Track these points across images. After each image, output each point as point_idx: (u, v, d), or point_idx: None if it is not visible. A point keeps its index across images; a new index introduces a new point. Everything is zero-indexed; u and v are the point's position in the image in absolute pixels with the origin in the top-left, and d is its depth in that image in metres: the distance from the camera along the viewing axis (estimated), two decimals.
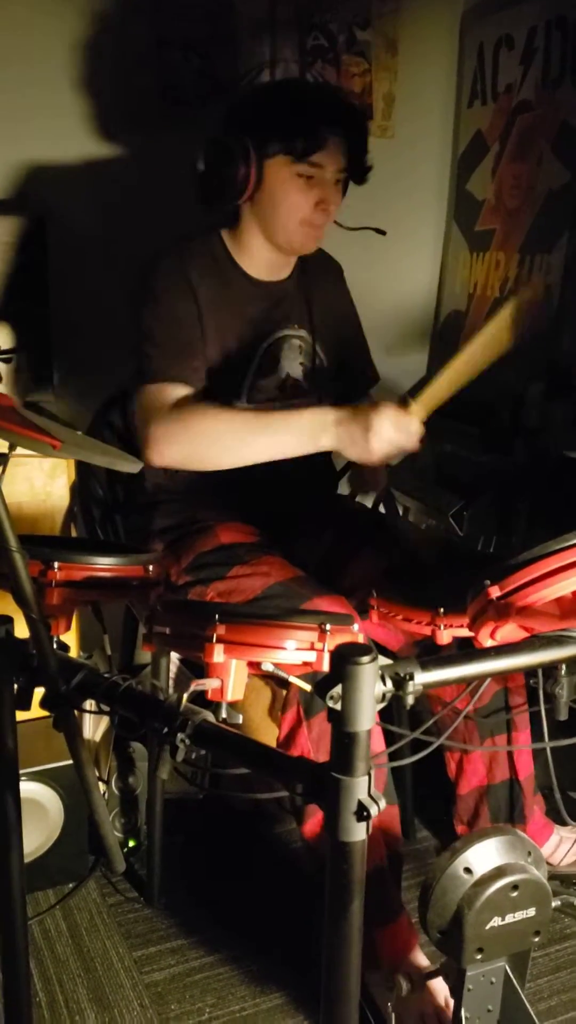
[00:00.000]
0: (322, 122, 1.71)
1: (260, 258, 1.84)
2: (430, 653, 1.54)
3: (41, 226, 2.02)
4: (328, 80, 2.38)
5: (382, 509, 2.14)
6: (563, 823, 1.86)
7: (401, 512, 2.30)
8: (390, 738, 1.23)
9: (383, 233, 1.79)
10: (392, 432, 1.59)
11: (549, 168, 2.24)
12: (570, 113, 2.16)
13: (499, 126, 2.41)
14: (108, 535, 1.93)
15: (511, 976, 1.15)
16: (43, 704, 1.13)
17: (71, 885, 1.86)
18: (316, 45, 2.36)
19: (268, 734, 1.63)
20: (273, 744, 1.55)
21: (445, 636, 1.35)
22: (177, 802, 1.99)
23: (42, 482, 1.90)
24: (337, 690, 0.87)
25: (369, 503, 2.13)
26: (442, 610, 1.35)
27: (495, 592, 1.08)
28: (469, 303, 2.56)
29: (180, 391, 1.71)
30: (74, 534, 1.97)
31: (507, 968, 1.14)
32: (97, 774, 2.00)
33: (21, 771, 1.69)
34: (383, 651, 1.70)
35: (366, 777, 0.89)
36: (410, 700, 0.93)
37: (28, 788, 1.76)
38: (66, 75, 2.15)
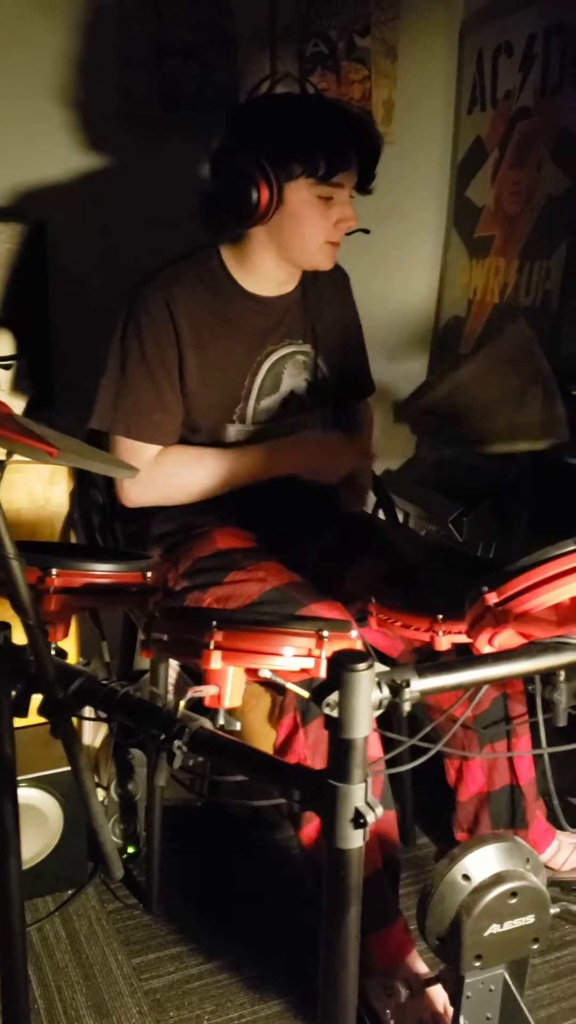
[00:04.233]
0: (346, 144, 1.71)
1: (267, 276, 1.82)
2: (429, 660, 1.54)
3: (41, 232, 2.03)
4: (328, 87, 2.38)
5: (381, 515, 2.15)
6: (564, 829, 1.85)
7: (401, 518, 2.30)
8: (388, 744, 1.23)
9: (367, 232, 1.80)
10: (345, 448, 1.90)
11: (549, 174, 2.24)
12: (569, 120, 2.16)
13: (499, 132, 2.42)
14: (108, 542, 1.93)
15: (510, 983, 1.15)
16: (41, 711, 1.12)
17: (70, 892, 1.86)
18: (315, 52, 2.37)
19: (268, 740, 1.63)
20: (272, 750, 1.55)
21: (444, 642, 1.35)
22: (176, 809, 1.99)
23: (41, 488, 1.90)
24: (334, 697, 0.87)
25: (370, 504, 2.13)
26: (441, 616, 1.35)
27: (492, 598, 1.08)
28: (469, 309, 2.56)
29: (147, 451, 1.77)
30: (73, 541, 1.97)
31: (506, 975, 1.14)
32: (97, 780, 2.00)
33: (20, 777, 1.69)
34: (383, 658, 1.70)
35: (363, 784, 0.88)
36: (407, 707, 0.93)
37: (27, 794, 1.75)
38: (66, 81, 2.16)
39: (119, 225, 2.24)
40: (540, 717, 1.21)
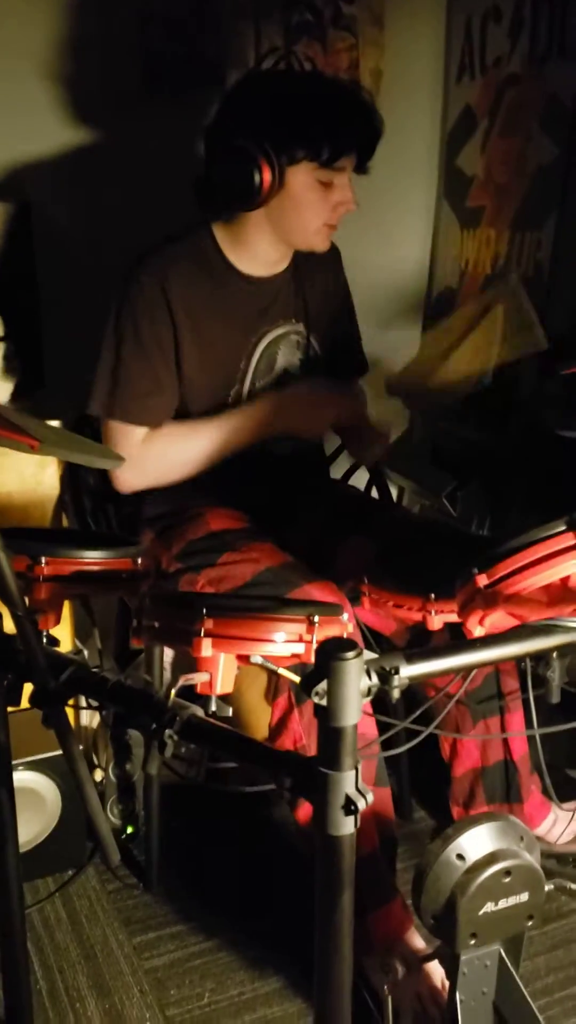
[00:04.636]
0: (350, 130, 1.69)
1: (261, 256, 1.80)
2: (422, 638, 1.54)
3: (26, 213, 2.01)
4: (314, 56, 2.34)
5: (375, 492, 2.14)
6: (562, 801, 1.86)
7: (395, 494, 2.29)
8: (383, 723, 1.24)
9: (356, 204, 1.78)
10: (328, 394, 1.85)
11: (538, 143, 2.21)
12: (558, 87, 2.13)
13: (488, 100, 2.39)
14: (100, 524, 1.92)
15: (505, 959, 1.16)
16: (32, 700, 1.12)
17: (70, 872, 1.87)
18: (301, 21, 2.33)
19: (265, 717, 1.63)
20: (267, 728, 1.55)
21: (436, 622, 1.35)
22: (174, 787, 2.00)
23: (32, 471, 1.90)
24: (322, 686, 0.87)
25: (363, 481, 2.12)
26: (433, 596, 1.35)
27: (482, 580, 1.07)
28: (461, 280, 2.55)
29: (140, 433, 1.75)
30: (65, 524, 1.97)
31: (501, 951, 1.15)
32: (95, 761, 2.01)
33: (18, 760, 1.70)
34: (377, 637, 1.70)
35: (353, 771, 0.89)
36: (396, 694, 0.93)
37: (26, 777, 1.76)
38: (48, 58, 2.13)
39: (105, 202, 2.21)
40: (531, 695, 1.22)
